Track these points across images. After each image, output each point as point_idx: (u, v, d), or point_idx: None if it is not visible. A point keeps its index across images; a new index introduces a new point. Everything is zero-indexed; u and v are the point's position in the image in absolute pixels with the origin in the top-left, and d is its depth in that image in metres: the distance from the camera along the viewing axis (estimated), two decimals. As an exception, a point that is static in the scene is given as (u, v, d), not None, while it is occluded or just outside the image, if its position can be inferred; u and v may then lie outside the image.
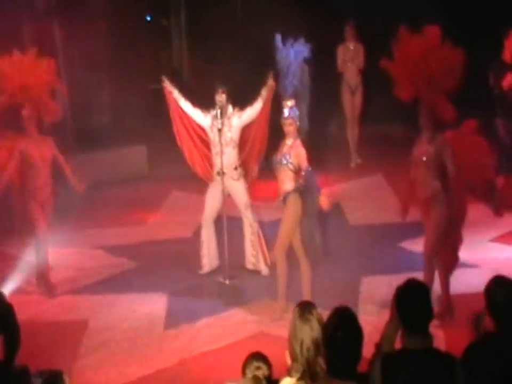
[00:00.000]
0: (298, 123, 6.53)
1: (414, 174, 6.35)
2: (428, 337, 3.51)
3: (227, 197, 7.31)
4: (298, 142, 6.49)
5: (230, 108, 7.17)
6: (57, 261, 7.74)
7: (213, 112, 7.15)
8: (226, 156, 7.12)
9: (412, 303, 3.50)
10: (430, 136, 6.20)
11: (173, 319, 6.68)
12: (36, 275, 7.43)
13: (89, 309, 6.98)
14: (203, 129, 7.34)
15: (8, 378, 5.04)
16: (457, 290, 6.45)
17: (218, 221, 7.40)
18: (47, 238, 7.33)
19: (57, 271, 7.68)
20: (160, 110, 11.13)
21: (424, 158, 6.18)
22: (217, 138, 7.08)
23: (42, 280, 7.37)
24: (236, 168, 7.27)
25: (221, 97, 7.11)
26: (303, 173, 6.34)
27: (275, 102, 7.21)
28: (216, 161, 7.19)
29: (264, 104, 7.19)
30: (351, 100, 10.76)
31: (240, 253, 7.59)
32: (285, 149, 6.49)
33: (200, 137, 7.40)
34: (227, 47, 11.75)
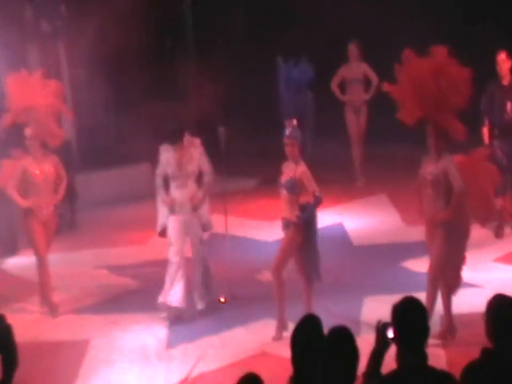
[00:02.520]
0: (300, 144, 6.54)
1: (421, 195, 6.35)
2: (424, 354, 3.50)
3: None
4: (303, 164, 6.50)
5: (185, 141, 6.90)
6: (59, 281, 7.74)
7: (166, 148, 6.90)
8: (188, 189, 6.87)
9: (408, 321, 3.50)
10: (437, 157, 6.22)
11: (175, 339, 6.67)
12: (39, 295, 7.43)
13: (91, 329, 6.97)
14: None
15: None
16: (459, 310, 6.43)
17: (219, 240, 7.37)
18: (48, 257, 7.33)
19: (59, 291, 7.67)
20: (164, 129, 11.19)
21: (430, 178, 6.18)
22: (177, 171, 6.85)
23: (45, 299, 7.37)
24: (194, 201, 6.90)
25: (185, 140, 6.87)
26: (315, 192, 6.37)
27: (277, 123, 7.21)
28: (175, 194, 6.90)
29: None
30: (355, 120, 10.79)
31: (242, 273, 7.59)
32: (289, 171, 6.50)
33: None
34: (232, 69, 11.84)
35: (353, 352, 3.49)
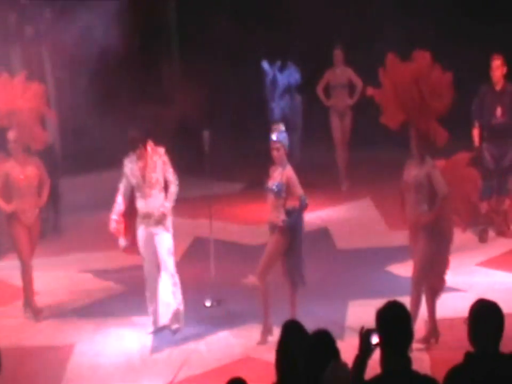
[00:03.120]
0: (286, 148, 6.55)
1: (404, 198, 6.38)
2: (407, 359, 3.52)
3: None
4: (289, 168, 6.51)
5: (149, 148, 6.62)
6: (43, 285, 7.71)
7: (130, 158, 6.67)
8: (152, 198, 6.62)
9: (392, 325, 3.52)
10: (420, 160, 6.25)
11: (159, 344, 6.65)
12: (22, 299, 7.39)
13: (76, 334, 6.94)
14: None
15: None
16: (443, 314, 6.46)
17: (203, 244, 7.37)
18: (31, 262, 7.29)
19: (43, 295, 7.64)
20: (150, 132, 11.15)
21: (413, 181, 6.22)
22: (141, 181, 6.60)
23: (28, 304, 7.32)
24: (162, 212, 6.62)
25: (143, 151, 6.58)
26: (301, 197, 6.36)
27: (264, 126, 7.20)
28: (140, 205, 6.67)
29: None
30: (340, 124, 10.82)
31: (227, 277, 7.59)
32: (276, 176, 6.51)
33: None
34: (216, 72, 11.84)
35: (334, 355, 3.50)
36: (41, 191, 7.36)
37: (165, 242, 6.65)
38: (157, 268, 6.72)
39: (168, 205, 6.66)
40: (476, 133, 8.54)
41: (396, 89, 6.33)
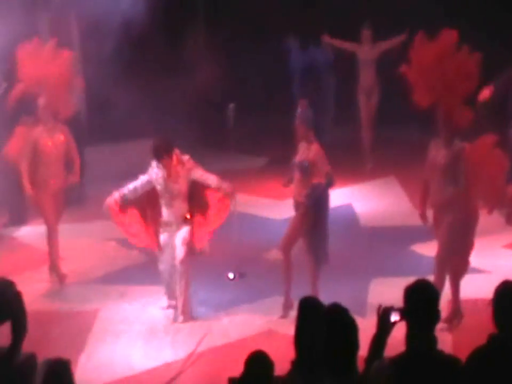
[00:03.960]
0: (311, 124, 6.52)
1: (429, 179, 6.35)
2: (433, 338, 3.52)
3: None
4: (316, 145, 6.50)
5: (174, 157, 6.55)
6: (68, 252, 7.79)
7: (156, 165, 6.58)
8: (174, 209, 6.59)
9: (419, 303, 3.51)
10: (447, 141, 6.20)
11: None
12: (48, 264, 7.48)
13: (100, 300, 7.02)
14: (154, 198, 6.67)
15: (15, 363, 5.11)
16: (467, 295, 6.45)
17: (227, 217, 7.38)
18: (57, 227, 7.35)
19: (68, 261, 7.72)
20: (175, 104, 11.18)
21: (442, 162, 6.17)
22: (164, 190, 6.56)
23: (54, 269, 7.42)
24: (186, 219, 6.61)
25: (167, 161, 6.49)
26: (327, 174, 6.37)
27: (289, 102, 7.17)
28: (164, 213, 6.64)
29: (225, 198, 6.63)
30: (367, 103, 10.75)
31: (250, 250, 7.61)
32: (303, 152, 6.50)
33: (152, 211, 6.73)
34: (244, 45, 11.78)
35: (351, 328, 3.50)
36: (70, 160, 7.40)
37: (182, 231, 6.62)
38: (173, 267, 6.65)
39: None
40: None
41: (423, 68, 6.27)
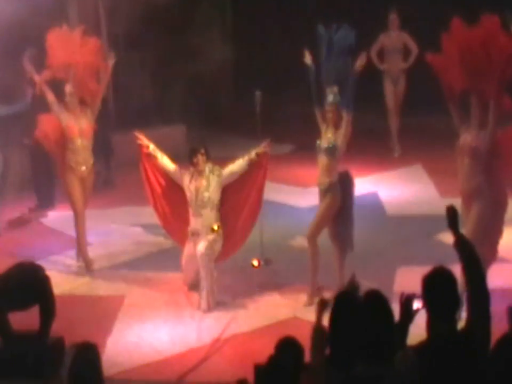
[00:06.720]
0: (341, 110, 6.52)
1: (459, 164, 6.29)
2: (453, 325, 3.50)
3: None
4: (342, 130, 6.51)
5: (207, 167, 6.66)
6: (94, 237, 7.86)
7: (191, 171, 6.69)
8: (202, 218, 6.64)
9: (439, 290, 3.50)
10: (480, 128, 6.13)
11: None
12: (75, 249, 7.56)
13: (126, 285, 7.08)
14: (180, 188, 6.77)
15: (44, 346, 5.19)
16: (493, 284, 6.36)
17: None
18: (85, 213, 7.42)
19: (95, 246, 7.80)
20: (201, 91, 11.17)
21: (472, 146, 6.10)
22: (194, 199, 6.64)
23: (81, 254, 7.50)
24: (213, 230, 6.64)
25: (199, 159, 6.61)
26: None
27: (315, 91, 7.10)
28: (191, 221, 6.70)
29: (258, 169, 6.72)
30: (393, 90, 10.68)
31: (275, 237, 7.62)
32: (329, 136, 6.49)
33: (177, 196, 6.81)
34: (270, 33, 11.74)
35: (388, 315, 3.50)
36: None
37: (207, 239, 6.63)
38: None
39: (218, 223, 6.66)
40: None
41: (462, 54, 6.16)
